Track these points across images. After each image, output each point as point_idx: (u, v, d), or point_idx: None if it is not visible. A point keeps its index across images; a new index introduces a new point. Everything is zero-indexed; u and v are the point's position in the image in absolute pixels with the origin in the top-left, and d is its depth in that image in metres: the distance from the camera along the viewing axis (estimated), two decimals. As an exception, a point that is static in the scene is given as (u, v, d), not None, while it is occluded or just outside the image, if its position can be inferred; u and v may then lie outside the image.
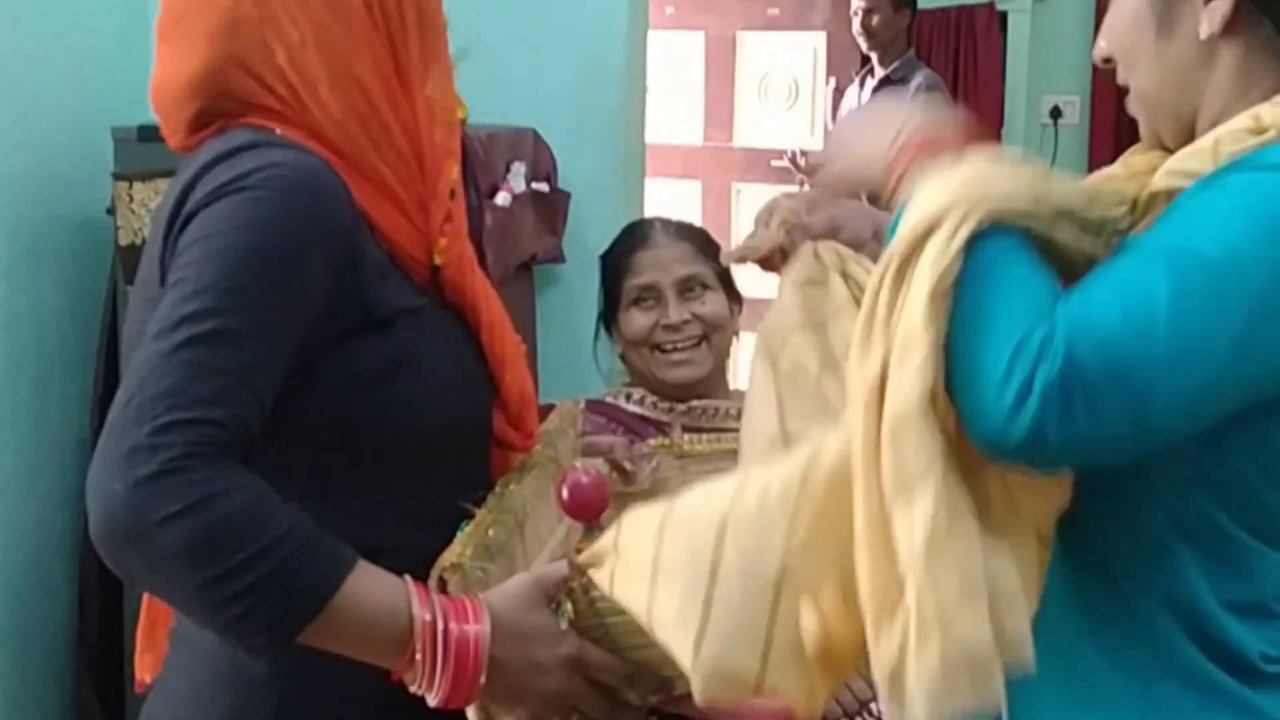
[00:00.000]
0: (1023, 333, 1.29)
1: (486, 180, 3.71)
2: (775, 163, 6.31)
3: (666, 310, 2.52)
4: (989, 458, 1.33)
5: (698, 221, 6.71)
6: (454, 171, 1.66)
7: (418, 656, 1.40)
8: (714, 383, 2.58)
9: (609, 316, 2.63)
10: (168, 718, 1.62)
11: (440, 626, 1.41)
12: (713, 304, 2.55)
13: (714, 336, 2.55)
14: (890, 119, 1.54)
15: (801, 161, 5.78)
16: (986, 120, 6.02)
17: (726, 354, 2.61)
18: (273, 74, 1.57)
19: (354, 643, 1.42)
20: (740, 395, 2.59)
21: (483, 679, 1.42)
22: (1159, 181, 1.42)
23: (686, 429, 2.50)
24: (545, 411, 2.56)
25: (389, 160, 1.60)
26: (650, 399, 2.54)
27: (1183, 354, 1.27)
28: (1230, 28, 1.45)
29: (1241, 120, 1.41)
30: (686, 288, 2.54)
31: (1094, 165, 5.65)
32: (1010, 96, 6.52)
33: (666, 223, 2.66)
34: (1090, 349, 1.27)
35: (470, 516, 1.59)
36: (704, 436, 2.08)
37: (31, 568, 3.36)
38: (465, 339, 1.67)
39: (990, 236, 1.33)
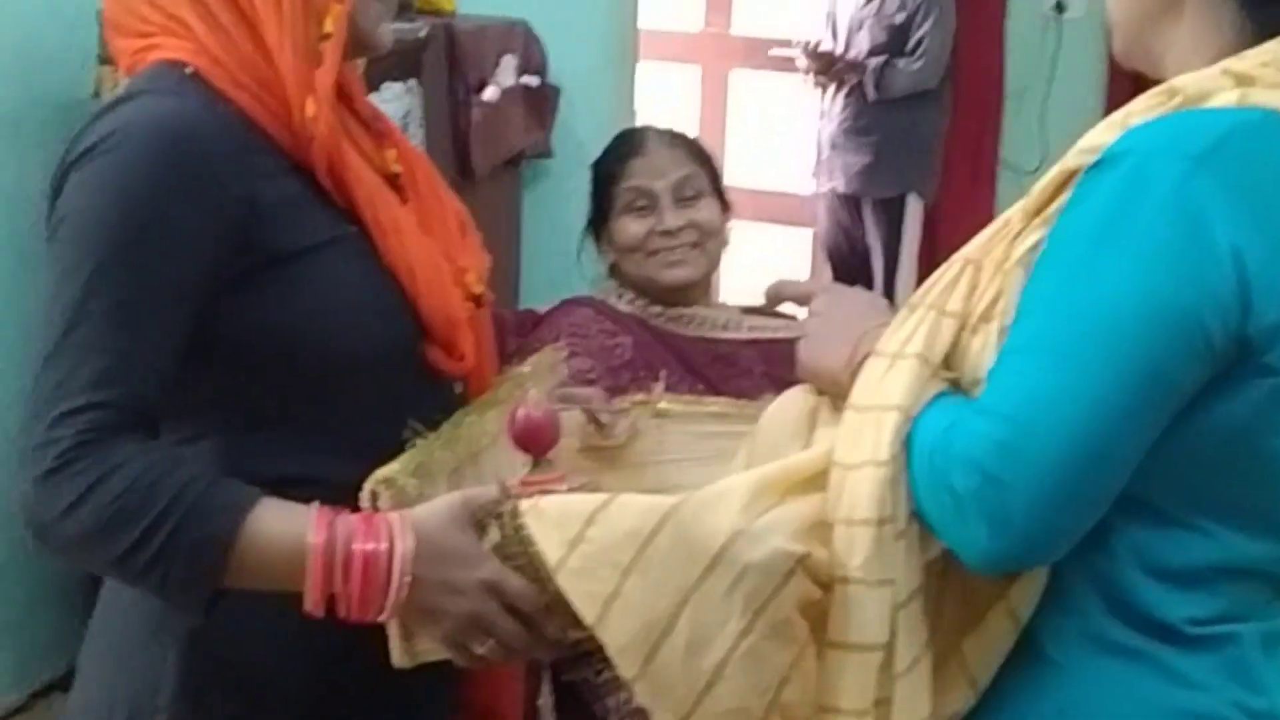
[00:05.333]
0: (928, 468, 1.35)
1: (475, 75, 3.67)
2: (774, 52, 6.22)
3: (662, 216, 2.47)
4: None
5: (695, 108, 6.78)
6: (335, 8, 1.58)
7: (315, 578, 1.41)
8: (701, 291, 2.56)
9: (598, 225, 2.60)
10: (95, 671, 1.65)
11: (340, 548, 1.41)
12: (707, 210, 2.51)
13: (708, 243, 2.51)
14: (849, 332, 1.55)
15: (809, 54, 5.66)
16: (988, 16, 5.91)
17: (718, 261, 2.58)
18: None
19: (266, 578, 1.43)
20: (725, 307, 2.59)
21: (394, 595, 1.42)
22: (1071, 160, 1.40)
23: (672, 335, 2.48)
24: (525, 317, 2.57)
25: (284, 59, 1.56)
26: (640, 301, 2.53)
27: (1085, 420, 1.29)
28: None
29: (1158, 88, 1.40)
30: (682, 194, 2.50)
31: (1097, 61, 5.62)
32: (1013, -11, 6.42)
33: (660, 130, 2.61)
34: (995, 459, 1.30)
35: (416, 441, 1.57)
36: (683, 397, 2.06)
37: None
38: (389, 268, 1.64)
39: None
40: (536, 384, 1.80)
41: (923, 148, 5.65)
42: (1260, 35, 1.41)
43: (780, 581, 1.41)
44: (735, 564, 1.40)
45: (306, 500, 1.46)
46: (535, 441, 1.66)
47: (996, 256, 1.43)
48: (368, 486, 1.49)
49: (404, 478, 1.50)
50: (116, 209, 1.46)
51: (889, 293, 5.49)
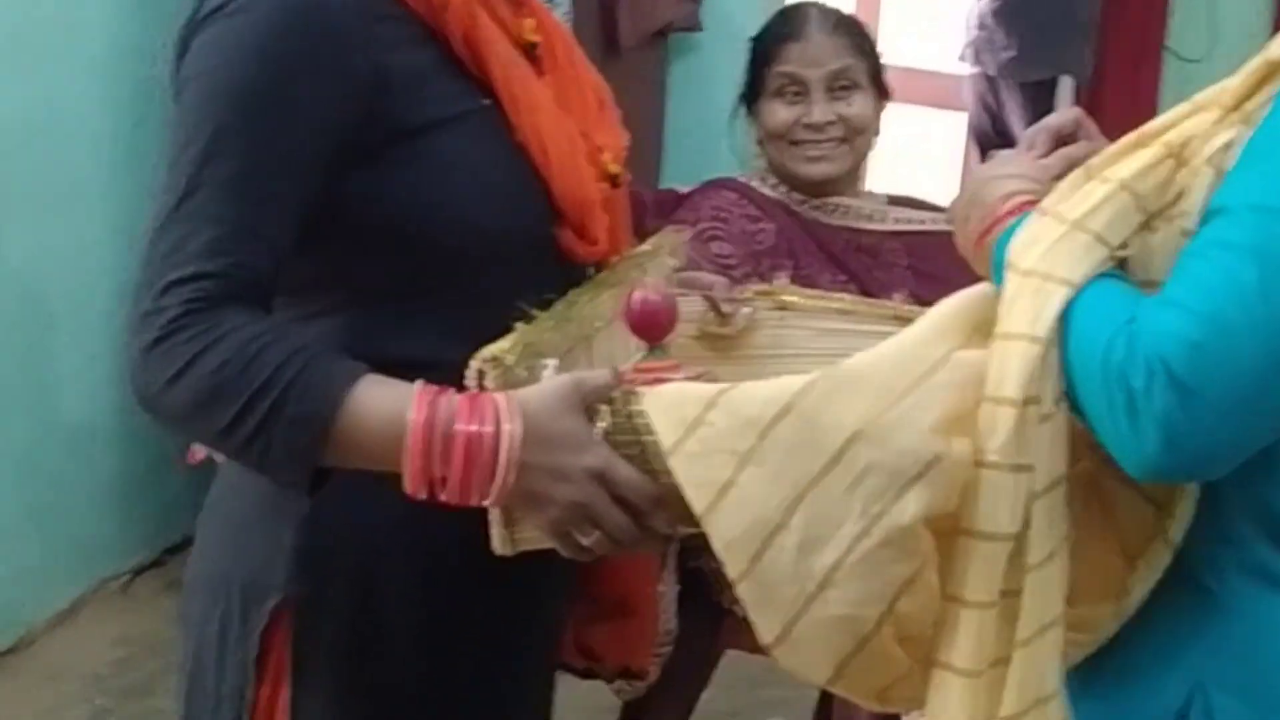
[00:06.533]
0: (1102, 359, 1.26)
1: (625, -55, 3.61)
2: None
3: (810, 108, 2.40)
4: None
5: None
6: None
7: (414, 456, 1.36)
8: (848, 181, 2.49)
9: (750, 102, 2.54)
10: (212, 544, 1.64)
11: (440, 428, 1.36)
12: (859, 105, 2.43)
13: (856, 139, 2.44)
14: (964, 196, 1.50)
15: None
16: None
17: (866, 154, 2.51)
18: None
19: (367, 457, 1.39)
20: (871, 196, 2.53)
21: (500, 479, 1.37)
22: (1276, 51, 1.30)
23: (816, 224, 2.43)
24: (666, 197, 2.53)
25: None
26: (783, 187, 2.47)
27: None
28: None
29: None
30: (835, 84, 2.43)
31: None
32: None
33: (825, 11, 2.52)
34: (1185, 360, 1.21)
35: (527, 320, 1.50)
36: (807, 290, 1.99)
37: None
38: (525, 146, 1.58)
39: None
40: (656, 267, 1.73)
41: (1078, 26, 5.46)
42: None
43: (905, 484, 1.34)
44: (857, 461, 1.34)
45: (432, 382, 1.41)
46: (652, 327, 1.60)
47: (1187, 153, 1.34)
48: (474, 364, 1.42)
49: (512, 357, 1.44)
50: (241, 75, 1.42)
51: None
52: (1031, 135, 1.58)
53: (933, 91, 6.28)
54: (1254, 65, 1.32)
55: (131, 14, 3.32)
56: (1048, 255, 1.33)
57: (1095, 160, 1.39)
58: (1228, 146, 1.31)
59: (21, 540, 3.40)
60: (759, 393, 1.38)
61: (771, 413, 1.36)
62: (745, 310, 1.84)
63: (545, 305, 1.53)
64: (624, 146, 1.74)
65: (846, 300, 1.92)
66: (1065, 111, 1.61)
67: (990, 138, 5.66)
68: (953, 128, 6.43)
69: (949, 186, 5.53)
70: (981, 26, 5.49)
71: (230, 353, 1.37)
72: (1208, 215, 1.28)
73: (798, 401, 1.36)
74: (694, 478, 1.37)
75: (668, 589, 2.28)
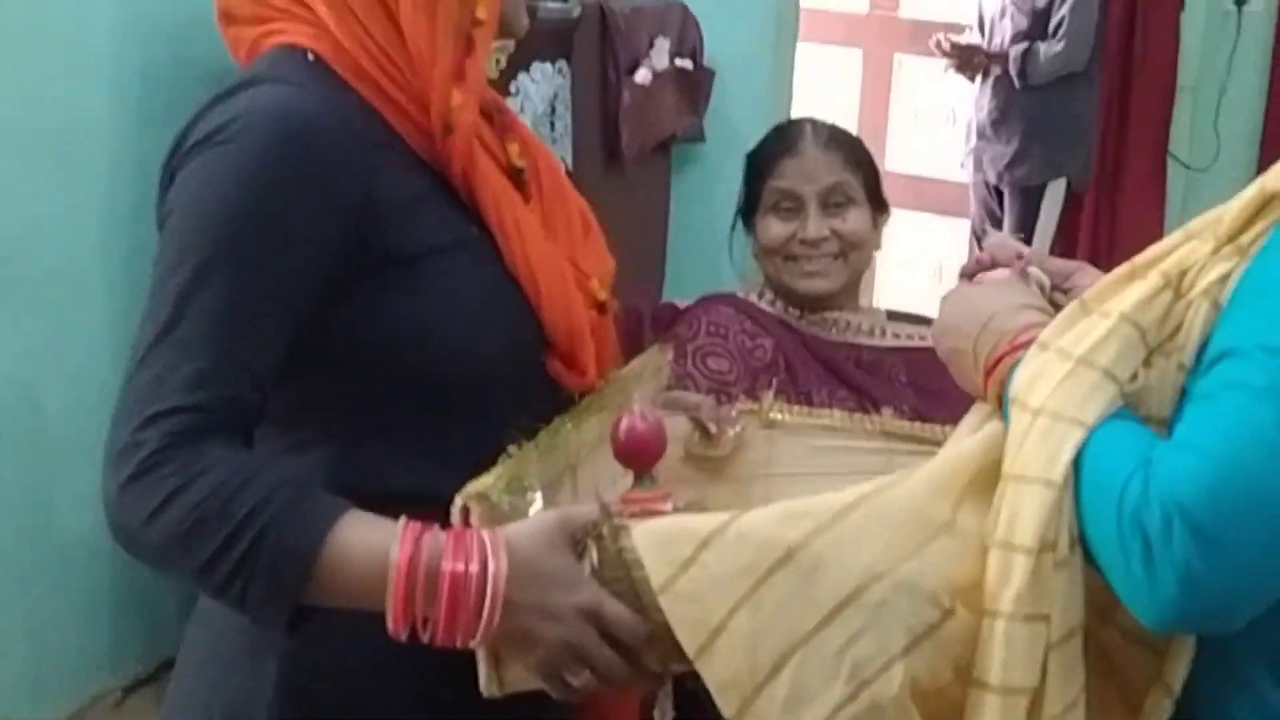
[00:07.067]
0: (1116, 504, 1.22)
1: (627, 57, 3.61)
2: (935, 40, 6.07)
3: (805, 223, 2.40)
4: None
5: (856, 93, 6.65)
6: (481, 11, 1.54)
7: (397, 597, 1.33)
8: (846, 296, 2.47)
9: (748, 215, 2.53)
10: (193, 674, 1.61)
11: (424, 567, 1.33)
12: (854, 220, 2.42)
13: (851, 254, 2.43)
14: (973, 319, 1.48)
15: (946, 46, 5.61)
16: (1164, 3, 5.72)
17: (863, 270, 2.50)
18: None
19: (350, 596, 1.36)
20: (870, 312, 2.51)
21: (487, 619, 1.33)
22: (1273, 181, 1.28)
23: (814, 339, 2.41)
24: (664, 311, 2.50)
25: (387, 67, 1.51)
26: (781, 303, 2.45)
27: None
28: None
29: None
30: (830, 200, 2.42)
31: (1273, 57, 5.40)
32: (1192, -20, 6.20)
33: (819, 127, 2.52)
34: (1204, 505, 1.17)
35: (512, 451, 1.48)
36: (796, 409, 1.97)
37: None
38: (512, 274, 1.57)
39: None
40: (640, 389, 1.71)
41: (1073, 131, 5.54)
42: None
43: (896, 654, 1.31)
44: (850, 624, 1.31)
45: (418, 518, 1.38)
46: (639, 455, 1.58)
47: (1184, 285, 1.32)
48: (459, 500, 1.41)
49: (497, 492, 1.42)
50: (231, 203, 1.40)
51: None
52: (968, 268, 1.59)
53: (940, 199, 6.31)
54: (1249, 195, 1.30)
55: (134, 121, 3.32)
56: (1057, 393, 1.31)
57: (1089, 294, 1.37)
58: (1224, 279, 1.29)
59: (15, 654, 3.35)
60: (756, 534, 1.35)
61: (769, 560, 1.33)
62: (733, 430, 1.81)
63: (531, 433, 1.51)
64: (611, 271, 1.72)
65: (835, 416, 1.92)
66: (999, 243, 1.61)
67: (994, 246, 5.67)
68: (960, 235, 6.45)
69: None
70: (980, 136, 5.54)
71: (210, 488, 1.34)
72: (1217, 356, 1.25)
73: (797, 553, 1.33)
74: (685, 618, 1.34)
75: (663, 709, 2.24)
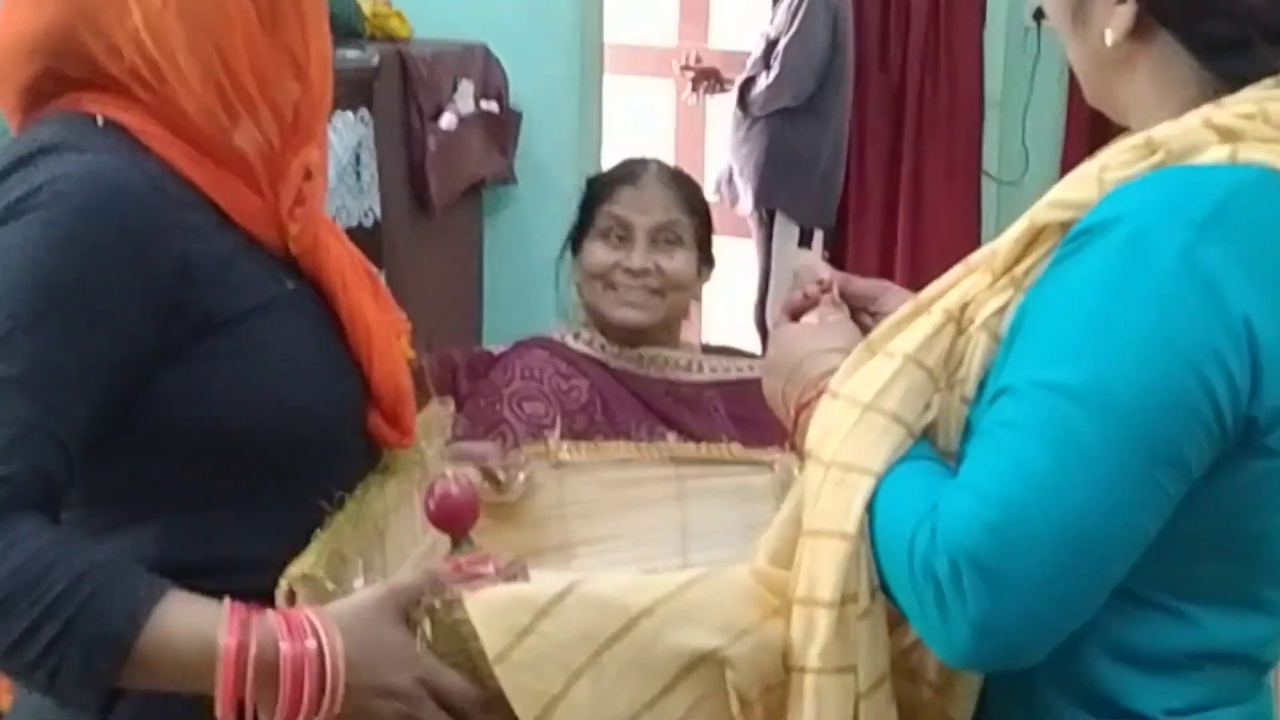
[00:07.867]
0: (907, 554, 1.22)
1: (430, 102, 3.57)
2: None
3: (631, 253, 2.40)
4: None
5: (670, 125, 6.66)
6: (314, 155, 1.51)
7: (226, 681, 1.29)
8: (662, 332, 2.47)
9: (577, 240, 2.51)
10: None
11: (254, 650, 1.29)
12: (680, 261, 2.43)
13: (670, 294, 2.43)
14: (787, 362, 1.47)
15: (691, 63, 5.60)
16: (965, 21, 5.81)
17: (681, 313, 2.51)
18: (125, 37, 1.41)
19: (171, 680, 1.32)
20: (686, 347, 2.50)
21: (328, 700, 1.30)
22: (1041, 214, 1.29)
23: (631, 376, 2.39)
24: (478, 359, 2.47)
25: (248, 137, 1.46)
26: (599, 340, 2.44)
27: (1088, 509, 1.17)
28: (1140, 34, 1.31)
29: (1133, 139, 1.28)
30: (660, 235, 2.42)
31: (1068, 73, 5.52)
32: (992, -5, 6.31)
33: (663, 166, 2.54)
34: (984, 546, 1.17)
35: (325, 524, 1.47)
36: (583, 446, 1.97)
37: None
38: (337, 328, 1.53)
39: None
40: (427, 443, 1.70)
41: (789, 165, 5.36)
42: (1222, 83, 1.30)
43: None
44: (693, 692, 1.32)
45: (254, 587, 1.36)
46: (457, 521, 1.56)
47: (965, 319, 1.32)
48: (283, 583, 1.38)
49: (320, 570, 1.40)
50: (39, 272, 1.34)
51: (760, 320, 5.38)
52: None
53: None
54: (1020, 228, 1.30)
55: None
56: (846, 443, 1.30)
57: (875, 334, 1.37)
58: (1001, 311, 1.29)
59: None
60: (598, 601, 1.34)
61: (612, 627, 1.32)
62: (521, 475, 1.82)
63: (339, 503, 1.50)
64: (407, 327, 1.70)
65: (621, 448, 1.94)
66: (806, 265, 1.62)
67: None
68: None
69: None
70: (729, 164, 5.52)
71: (16, 566, 1.28)
72: (995, 393, 1.25)
73: (640, 620, 1.33)
74: (521, 688, 1.33)
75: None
